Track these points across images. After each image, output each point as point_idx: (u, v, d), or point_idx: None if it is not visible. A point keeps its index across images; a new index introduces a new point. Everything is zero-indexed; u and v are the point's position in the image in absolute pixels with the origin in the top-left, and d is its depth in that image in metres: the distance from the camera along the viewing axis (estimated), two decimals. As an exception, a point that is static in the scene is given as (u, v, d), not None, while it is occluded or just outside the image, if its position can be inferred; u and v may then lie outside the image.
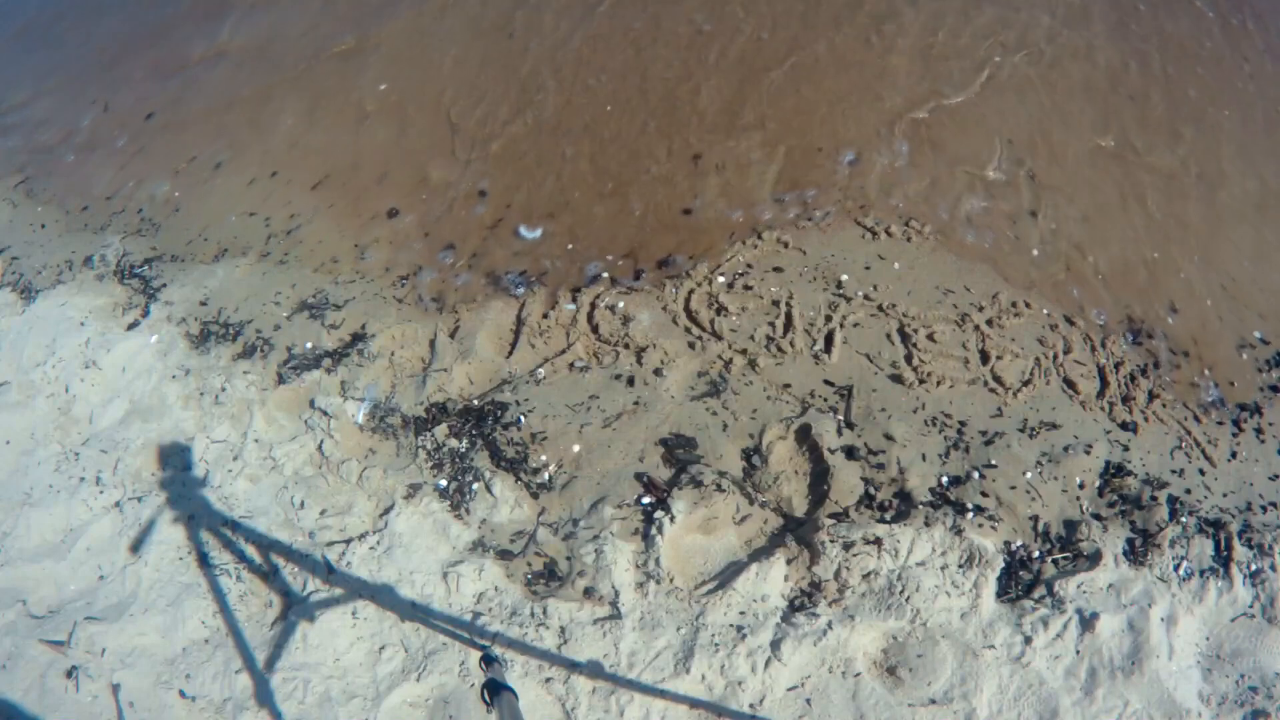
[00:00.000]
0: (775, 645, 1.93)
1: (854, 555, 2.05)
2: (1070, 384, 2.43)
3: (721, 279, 2.75)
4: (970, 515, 2.12)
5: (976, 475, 2.21)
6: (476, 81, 3.90)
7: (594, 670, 1.95)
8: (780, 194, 3.04)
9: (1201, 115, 3.39)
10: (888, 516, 2.15)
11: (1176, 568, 2.04)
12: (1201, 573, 2.03)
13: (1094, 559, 2.04)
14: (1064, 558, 2.07)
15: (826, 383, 2.46)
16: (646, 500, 2.24)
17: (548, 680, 1.95)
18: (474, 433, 2.47)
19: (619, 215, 3.10)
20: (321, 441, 2.53)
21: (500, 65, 3.96)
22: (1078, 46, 3.63)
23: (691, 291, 2.74)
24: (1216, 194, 3.03)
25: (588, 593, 2.07)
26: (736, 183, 3.11)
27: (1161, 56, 3.61)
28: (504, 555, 2.20)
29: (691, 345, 2.59)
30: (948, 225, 2.87)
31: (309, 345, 2.83)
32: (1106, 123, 3.29)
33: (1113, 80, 3.49)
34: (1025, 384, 2.42)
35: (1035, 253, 2.78)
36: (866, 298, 2.65)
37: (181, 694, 2.06)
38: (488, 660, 1.56)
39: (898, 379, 2.44)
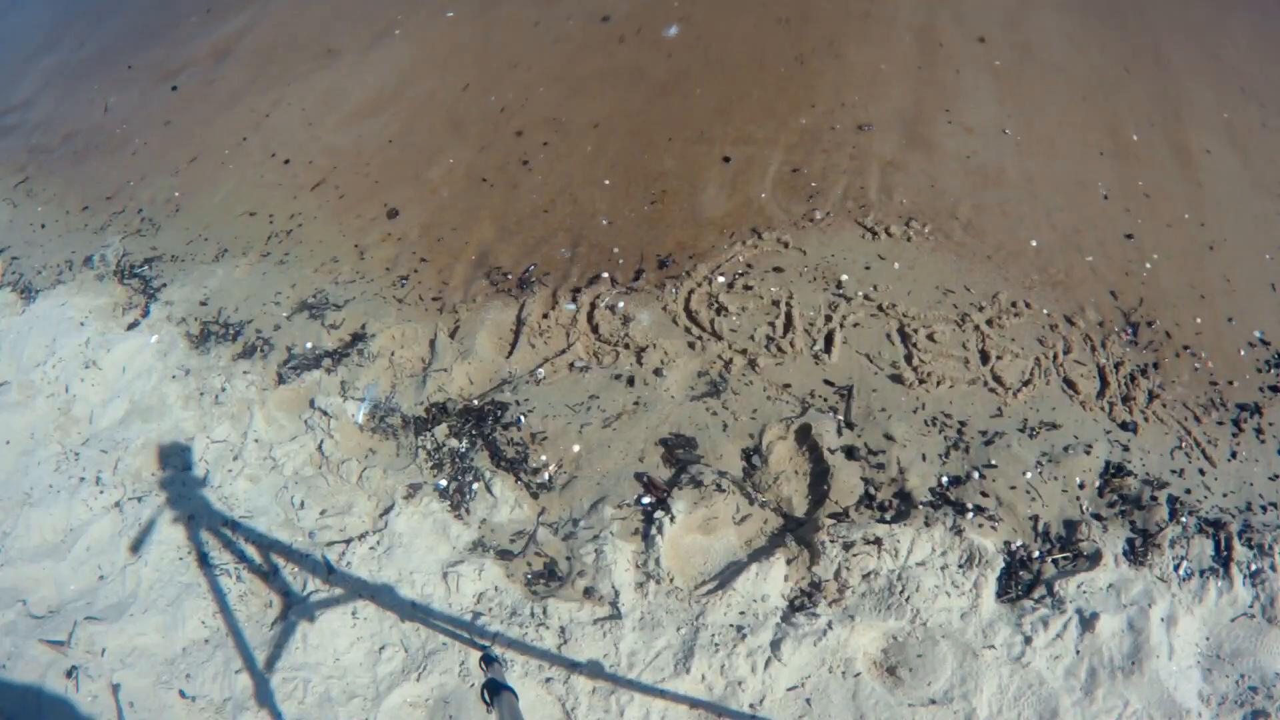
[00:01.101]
0: (775, 645, 1.93)
1: (854, 555, 2.05)
2: (1070, 384, 2.43)
3: (721, 279, 2.75)
4: (970, 515, 2.12)
5: (976, 475, 2.21)
6: (480, 82, 3.90)
7: (594, 670, 1.95)
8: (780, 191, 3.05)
9: (1194, 100, 3.39)
10: (888, 516, 2.15)
11: (1176, 568, 2.04)
12: (1201, 573, 2.03)
13: (1094, 559, 2.04)
14: (1064, 558, 2.07)
15: (826, 383, 2.46)
16: (646, 500, 2.24)
17: (548, 680, 1.95)
18: (474, 433, 2.47)
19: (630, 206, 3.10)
20: (321, 441, 2.53)
21: (502, 63, 3.96)
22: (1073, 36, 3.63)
23: (691, 291, 2.74)
24: (1211, 187, 3.03)
25: (588, 593, 2.07)
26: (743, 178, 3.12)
27: (1160, 45, 3.61)
28: (504, 555, 2.20)
29: (691, 345, 2.59)
30: (948, 224, 2.87)
31: (309, 345, 2.83)
32: (1102, 114, 3.30)
33: (1110, 72, 3.49)
34: (1025, 384, 2.42)
35: (1035, 251, 2.78)
36: (866, 298, 2.65)
37: (181, 694, 2.06)
38: (488, 660, 1.56)
39: (898, 379, 2.44)
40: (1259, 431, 2.33)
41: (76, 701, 2.06)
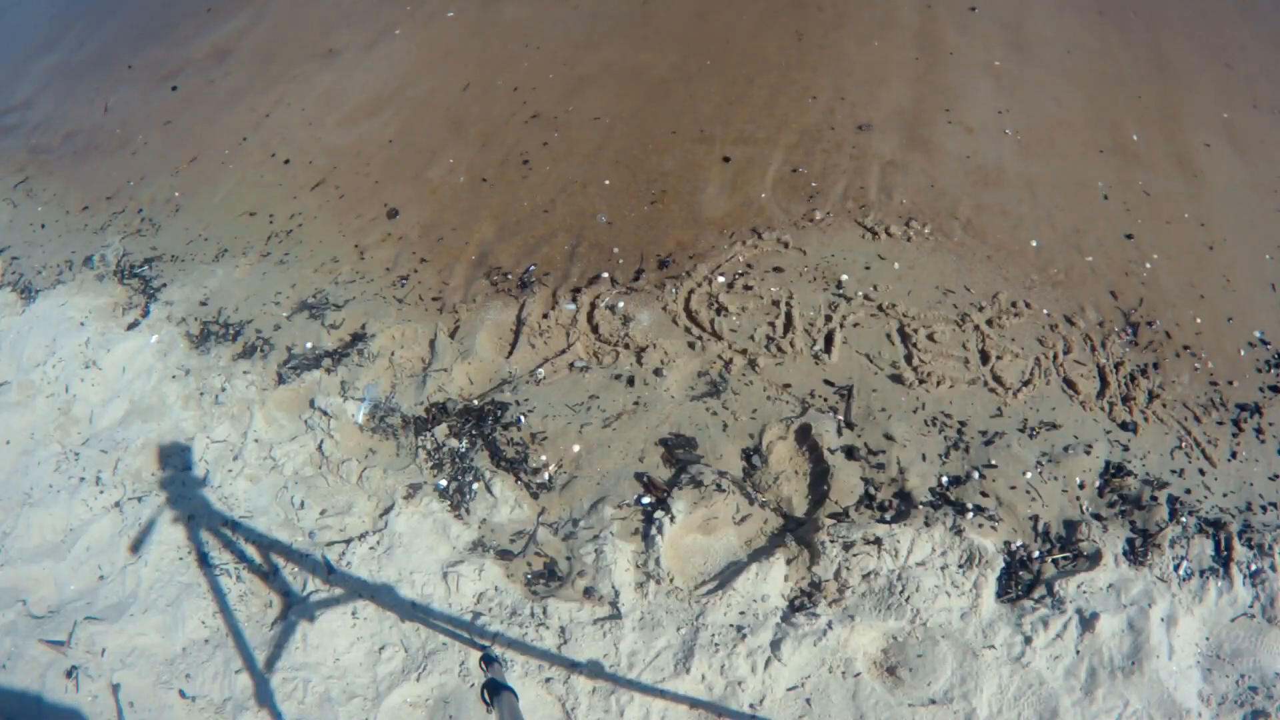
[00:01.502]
0: (775, 645, 1.93)
1: (854, 555, 2.05)
2: (1070, 384, 2.42)
3: (721, 279, 2.75)
4: (970, 515, 2.12)
5: (976, 475, 2.21)
6: (480, 81, 3.90)
7: (594, 670, 1.95)
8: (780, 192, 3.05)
9: (1194, 99, 3.39)
10: (888, 516, 2.15)
11: (1176, 568, 2.04)
12: (1201, 573, 2.03)
13: (1094, 559, 2.04)
14: (1064, 558, 2.07)
15: (826, 383, 2.46)
16: (646, 500, 2.24)
17: (548, 680, 1.95)
18: (474, 433, 2.47)
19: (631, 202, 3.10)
20: (321, 441, 2.53)
21: (501, 65, 3.96)
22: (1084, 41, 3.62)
23: (691, 291, 2.74)
24: (1211, 186, 3.03)
25: (588, 593, 2.07)
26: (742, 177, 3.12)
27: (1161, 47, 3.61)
28: (504, 555, 2.20)
29: (691, 345, 2.59)
30: (948, 224, 2.87)
31: (309, 345, 2.83)
32: (1102, 114, 3.29)
33: (1110, 70, 3.49)
34: (1025, 384, 2.42)
35: (1035, 251, 2.78)
36: (866, 298, 2.65)
37: (181, 694, 2.06)
38: (488, 660, 1.56)
39: (898, 379, 2.44)
40: (1259, 431, 2.34)
41: (76, 702, 2.06)
